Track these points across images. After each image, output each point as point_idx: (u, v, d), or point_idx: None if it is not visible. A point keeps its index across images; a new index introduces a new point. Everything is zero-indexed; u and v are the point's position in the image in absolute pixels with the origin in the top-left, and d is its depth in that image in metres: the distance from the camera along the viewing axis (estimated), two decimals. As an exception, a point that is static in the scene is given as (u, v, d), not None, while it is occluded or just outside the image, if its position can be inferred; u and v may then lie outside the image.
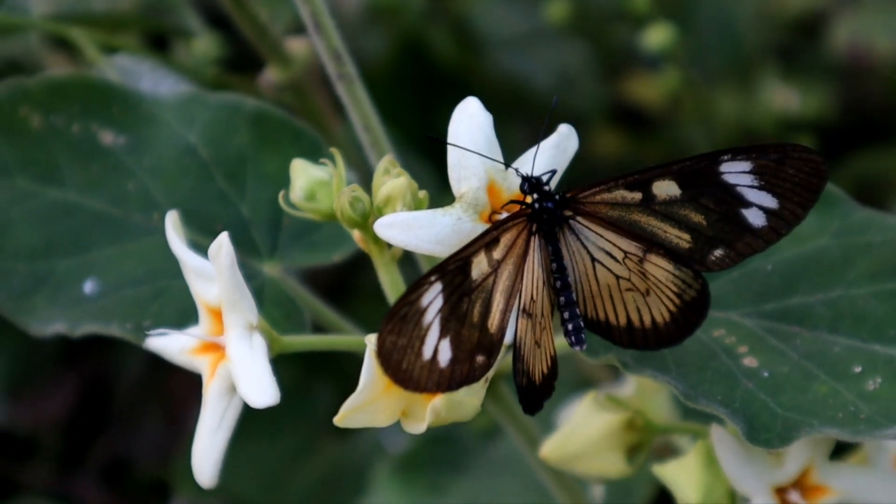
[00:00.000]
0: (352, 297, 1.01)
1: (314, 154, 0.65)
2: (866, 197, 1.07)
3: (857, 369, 0.57)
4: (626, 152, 1.12)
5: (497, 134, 0.55)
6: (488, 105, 0.56)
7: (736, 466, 0.58)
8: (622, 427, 0.62)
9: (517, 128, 1.10)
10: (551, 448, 0.62)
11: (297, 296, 0.64)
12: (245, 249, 0.65)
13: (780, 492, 0.59)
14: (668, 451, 0.74)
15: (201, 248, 0.63)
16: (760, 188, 0.53)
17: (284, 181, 0.60)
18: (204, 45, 0.79)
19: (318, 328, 0.65)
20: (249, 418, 0.99)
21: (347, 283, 1.05)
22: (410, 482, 0.88)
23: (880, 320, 0.59)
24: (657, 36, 0.89)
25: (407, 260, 0.61)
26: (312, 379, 1.02)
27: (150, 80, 0.73)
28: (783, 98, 1.01)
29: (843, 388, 0.56)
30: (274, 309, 0.63)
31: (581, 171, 1.14)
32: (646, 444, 0.63)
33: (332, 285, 1.02)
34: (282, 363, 1.03)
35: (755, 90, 1.03)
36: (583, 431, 0.61)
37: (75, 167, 0.66)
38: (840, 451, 0.66)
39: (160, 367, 0.74)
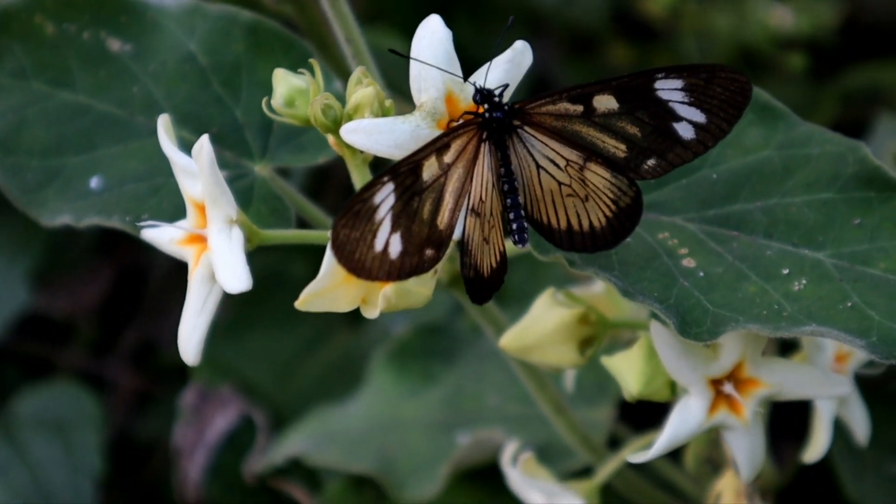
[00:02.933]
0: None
1: (304, 63, 0.71)
2: (856, 110, 1.11)
3: (786, 271, 0.61)
4: (635, 62, 1.16)
5: (503, 45, 0.60)
6: (497, 17, 0.61)
7: (673, 359, 0.63)
8: (575, 321, 0.67)
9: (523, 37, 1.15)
10: (509, 339, 0.67)
11: (284, 193, 0.69)
12: (239, 150, 0.70)
13: (715, 383, 0.63)
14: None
15: (197, 148, 0.69)
16: (690, 104, 0.58)
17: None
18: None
19: (304, 223, 0.70)
20: (266, 308, 1.06)
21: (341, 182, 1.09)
22: (404, 370, 0.94)
23: (811, 227, 0.63)
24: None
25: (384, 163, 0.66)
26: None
27: (156, -11, 0.78)
28: (778, 16, 1.05)
29: (771, 288, 0.60)
30: (262, 205, 0.68)
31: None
32: (598, 337, 0.68)
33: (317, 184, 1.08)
34: (298, 258, 1.09)
35: (751, 8, 1.06)
36: (538, 324, 0.67)
37: (85, 72, 0.71)
38: (787, 351, 0.72)
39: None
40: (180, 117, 0.71)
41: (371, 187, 0.54)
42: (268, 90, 0.65)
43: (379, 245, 0.54)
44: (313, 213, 0.70)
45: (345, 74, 0.70)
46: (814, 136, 0.66)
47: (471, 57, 1.16)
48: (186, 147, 0.69)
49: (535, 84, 1.33)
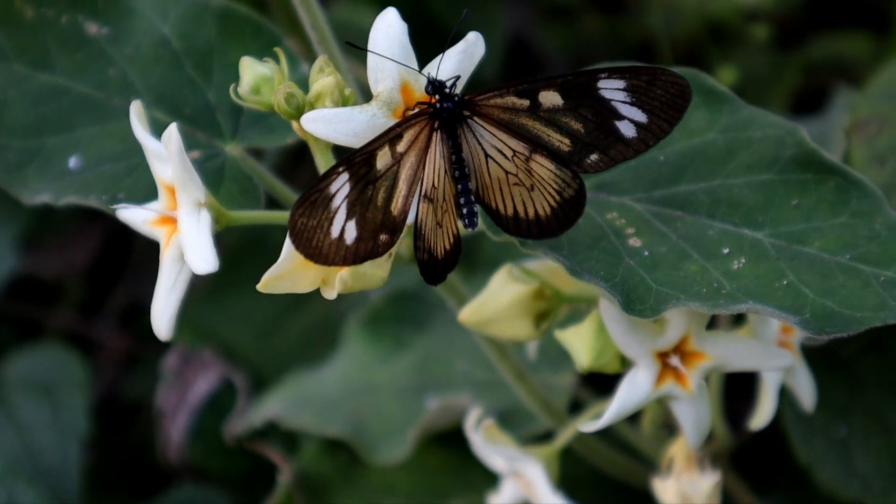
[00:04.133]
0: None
1: (273, 46, 0.74)
2: (819, 80, 1.14)
3: (726, 250, 0.64)
4: (606, 33, 1.19)
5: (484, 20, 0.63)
6: None
7: (621, 334, 0.66)
8: (531, 296, 0.70)
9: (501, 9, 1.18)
10: (468, 314, 0.71)
11: (254, 173, 0.72)
12: (210, 131, 0.73)
13: (662, 356, 0.67)
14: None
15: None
16: (632, 104, 0.61)
17: (247, 71, 0.69)
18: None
19: (273, 202, 0.74)
20: (247, 272, 1.09)
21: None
22: (377, 335, 0.97)
23: (751, 207, 0.66)
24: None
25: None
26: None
27: (132, -26, 0.81)
28: (742, -12, 1.08)
29: (712, 266, 0.64)
30: (232, 185, 0.71)
31: (570, 50, 1.21)
32: (553, 311, 0.71)
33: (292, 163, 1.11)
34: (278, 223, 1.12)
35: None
36: (495, 299, 0.70)
37: (64, 54, 0.74)
38: (738, 323, 0.75)
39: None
40: (155, 99, 0.73)
41: (326, 177, 0.57)
42: (238, 73, 0.68)
43: (335, 232, 0.57)
44: (283, 192, 0.73)
45: (313, 56, 0.73)
46: (756, 120, 0.68)
47: (445, 25, 1.19)
48: (161, 128, 0.72)
49: (514, 46, 1.36)
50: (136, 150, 0.71)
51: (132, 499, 1.12)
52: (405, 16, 1.18)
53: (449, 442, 0.91)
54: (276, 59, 0.66)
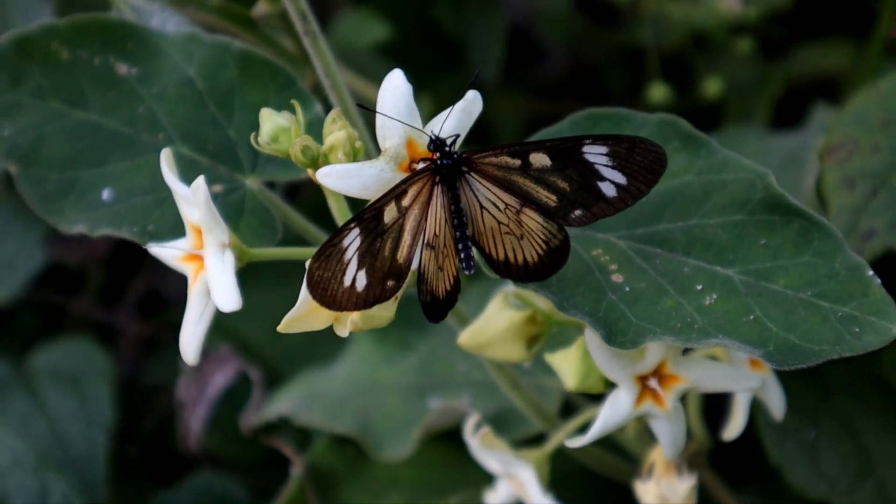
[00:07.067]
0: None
1: (289, 87, 0.80)
2: (802, 91, 1.20)
3: (700, 287, 0.70)
4: (598, 44, 1.25)
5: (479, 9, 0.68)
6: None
7: (604, 359, 0.73)
8: (524, 322, 0.77)
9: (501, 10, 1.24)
10: (466, 337, 0.77)
11: (272, 205, 0.78)
12: (231, 165, 0.79)
13: (642, 379, 0.73)
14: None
15: (196, 164, 0.79)
16: (614, 167, 0.67)
17: (265, 108, 0.75)
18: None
19: (290, 232, 0.80)
20: (263, 269, 1.16)
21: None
22: (383, 337, 1.03)
23: (723, 246, 0.71)
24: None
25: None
26: (321, 222, 1.17)
27: (159, 18, 0.87)
28: (728, 2, 1.13)
29: (686, 302, 0.69)
30: (252, 217, 0.77)
31: (569, 43, 1.26)
32: (544, 334, 0.78)
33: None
34: (301, 209, 1.17)
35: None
36: (491, 325, 0.77)
37: (97, 93, 0.79)
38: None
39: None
40: (181, 135, 0.80)
41: (340, 233, 0.64)
42: (257, 111, 0.73)
43: (347, 281, 0.64)
44: (298, 222, 0.79)
45: (325, 97, 0.79)
46: (730, 163, 0.74)
47: (450, 36, 1.25)
48: (187, 162, 0.79)
49: (515, 36, 1.41)
50: (164, 184, 0.76)
51: (153, 484, 1.19)
52: (410, 23, 1.25)
53: (451, 439, 0.97)
54: (295, 95, 0.72)
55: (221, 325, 1.14)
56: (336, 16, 1.23)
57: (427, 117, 0.69)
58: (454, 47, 1.28)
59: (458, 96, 0.69)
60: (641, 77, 1.21)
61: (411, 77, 0.69)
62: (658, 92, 1.15)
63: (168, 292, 1.32)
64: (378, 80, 0.70)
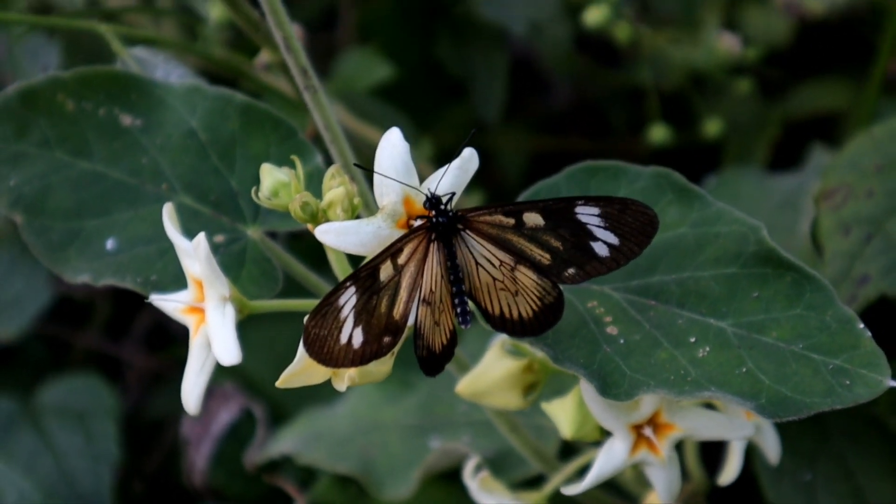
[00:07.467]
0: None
1: (290, 138, 0.81)
2: (800, 131, 1.21)
3: (693, 339, 0.71)
4: (598, 82, 1.26)
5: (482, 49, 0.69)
6: (475, 35, 0.67)
7: (599, 410, 0.74)
8: (521, 371, 0.78)
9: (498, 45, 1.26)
10: (463, 386, 0.78)
11: (273, 255, 0.79)
12: (234, 216, 0.80)
13: (637, 427, 0.74)
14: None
15: (199, 214, 0.80)
16: (606, 228, 0.68)
17: (266, 160, 0.76)
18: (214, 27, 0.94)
19: (292, 280, 0.81)
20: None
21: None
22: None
23: (716, 298, 0.72)
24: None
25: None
26: (321, 267, 1.19)
27: (163, 70, 0.88)
28: (727, 43, 1.15)
29: (680, 354, 0.70)
30: (253, 267, 0.78)
31: (571, 77, 1.27)
32: (540, 382, 0.79)
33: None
34: (298, 250, 1.19)
35: (702, 36, 1.16)
36: (488, 374, 0.78)
37: (101, 143, 0.80)
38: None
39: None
40: (183, 186, 0.81)
41: (336, 291, 0.65)
42: (259, 162, 0.74)
43: (344, 339, 0.65)
44: (299, 270, 0.80)
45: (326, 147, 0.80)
46: (723, 216, 0.75)
47: (450, 71, 1.26)
48: (189, 212, 0.80)
49: (519, 66, 1.42)
50: (166, 235, 0.79)
51: (158, 518, 1.20)
52: (414, 63, 1.26)
53: (453, 479, 0.99)
54: (296, 146, 0.73)
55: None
56: (340, 53, 1.24)
57: (428, 161, 0.71)
58: (458, 85, 1.29)
59: (455, 154, 0.70)
60: (643, 114, 1.22)
61: (414, 116, 0.70)
62: (658, 133, 1.16)
63: (174, 327, 1.33)
64: (380, 122, 0.72)
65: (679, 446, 0.84)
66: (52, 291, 1.23)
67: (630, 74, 1.24)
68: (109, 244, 0.79)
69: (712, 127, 1.18)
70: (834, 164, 0.93)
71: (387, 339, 0.67)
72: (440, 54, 1.25)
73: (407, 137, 0.70)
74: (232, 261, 0.79)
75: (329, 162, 0.78)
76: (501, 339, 0.80)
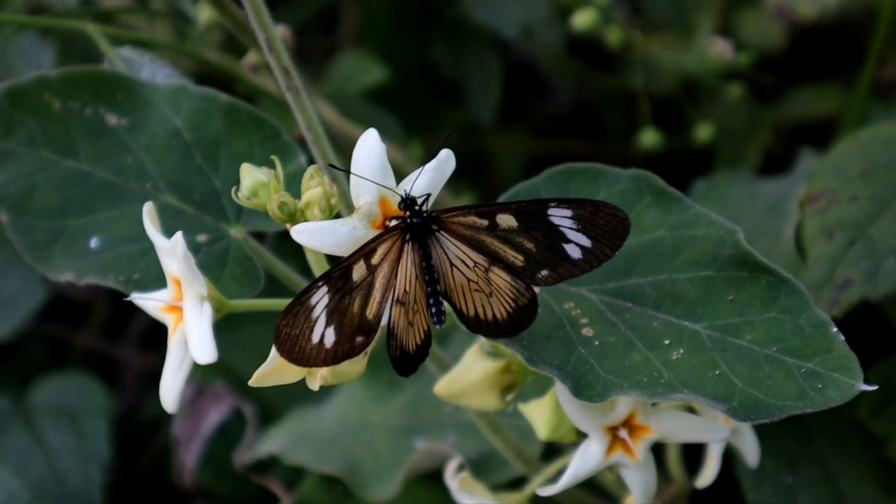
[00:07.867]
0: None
1: (274, 139, 0.81)
2: (791, 136, 1.21)
3: (667, 341, 0.71)
4: (588, 85, 1.27)
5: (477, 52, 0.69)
6: (469, 39, 0.68)
7: (574, 411, 0.74)
8: (499, 372, 0.78)
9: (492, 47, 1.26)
10: (441, 386, 0.79)
11: (255, 255, 0.79)
12: (217, 215, 0.80)
13: (612, 429, 0.74)
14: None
15: (182, 214, 0.80)
16: (578, 230, 0.69)
17: (250, 160, 0.77)
18: (203, 29, 0.94)
19: (276, 280, 0.81)
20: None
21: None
22: (373, 376, 1.04)
23: (692, 301, 0.72)
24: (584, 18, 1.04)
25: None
26: (308, 268, 1.19)
27: (150, 70, 0.89)
28: (719, 48, 1.15)
29: (654, 356, 0.70)
30: (235, 266, 0.78)
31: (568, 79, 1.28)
32: (519, 383, 0.79)
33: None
34: (290, 257, 1.20)
35: (696, 41, 1.16)
36: (466, 375, 0.78)
37: (87, 143, 0.81)
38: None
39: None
40: (168, 185, 0.81)
41: (307, 291, 0.66)
42: (242, 162, 0.74)
43: (315, 338, 0.66)
44: (281, 270, 0.80)
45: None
46: (700, 219, 0.75)
47: (445, 74, 1.26)
48: (173, 212, 0.81)
49: (517, 66, 1.42)
50: None
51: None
52: (410, 65, 1.27)
53: (439, 479, 0.99)
54: (280, 146, 0.74)
55: (217, 361, 1.15)
56: (337, 55, 1.25)
57: (419, 162, 0.71)
58: (453, 87, 1.29)
59: (430, 155, 0.71)
60: (638, 118, 1.23)
61: (409, 118, 0.70)
62: (649, 137, 1.16)
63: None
64: (371, 124, 0.72)
65: (662, 449, 0.84)
66: (50, 291, 1.23)
67: (623, 78, 1.24)
68: (93, 243, 0.80)
69: (703, 132, 1.18)
70: (819, 168, 0.93)
71: (359, 339, 0.67)
72: (435, 57, 1.25)
73: (397, 139, 0.71)
74: (214, 260, 0.79)
75: (314, 163, 0.78)
76: (481, 340, 0.80)
